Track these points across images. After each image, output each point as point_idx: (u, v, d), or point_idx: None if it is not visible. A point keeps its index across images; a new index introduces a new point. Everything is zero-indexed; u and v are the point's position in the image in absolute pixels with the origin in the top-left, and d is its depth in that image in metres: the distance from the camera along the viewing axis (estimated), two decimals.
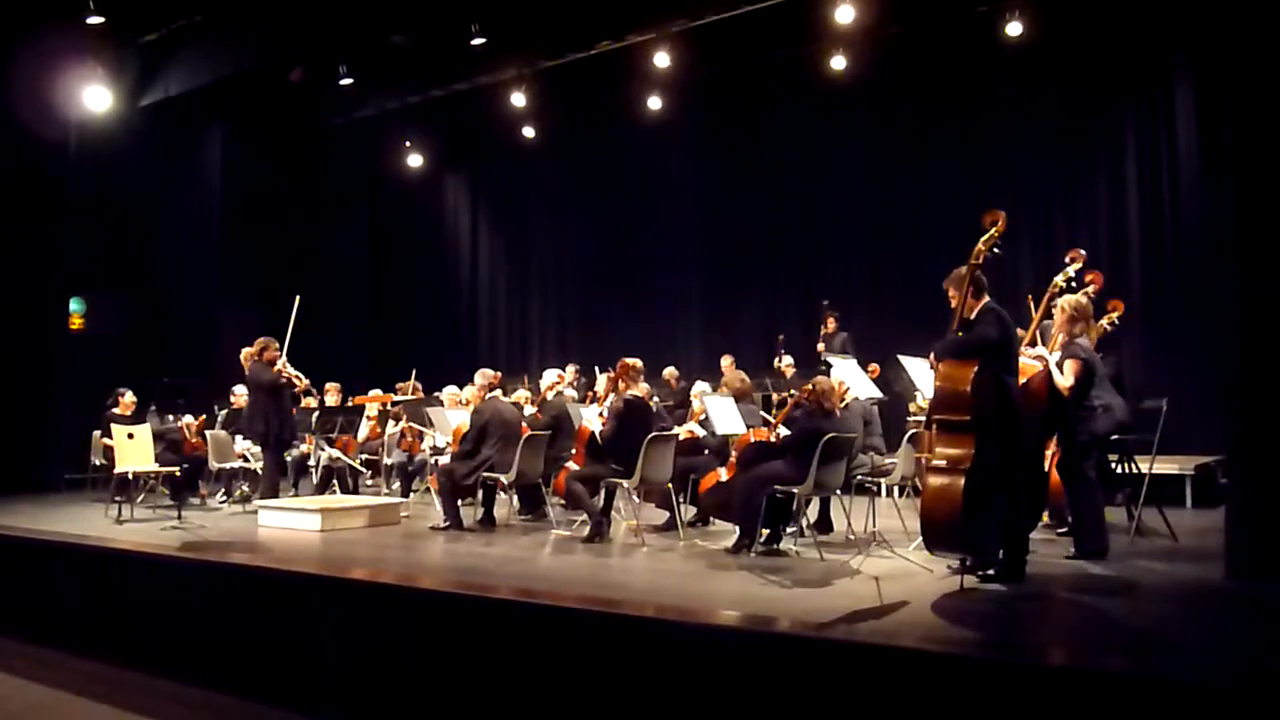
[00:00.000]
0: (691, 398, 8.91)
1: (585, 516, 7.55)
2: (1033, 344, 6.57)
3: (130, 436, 9.01)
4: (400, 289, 16.80)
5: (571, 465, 7.84)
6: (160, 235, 14.12)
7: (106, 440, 9.77)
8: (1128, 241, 11.16)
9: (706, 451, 8.11)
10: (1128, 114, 11.29)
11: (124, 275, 13.57)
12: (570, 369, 11.24)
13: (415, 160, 15.67)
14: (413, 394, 11.23)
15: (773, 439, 7.26)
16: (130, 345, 13.37)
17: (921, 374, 6.94)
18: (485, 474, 7.98)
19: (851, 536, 7.06)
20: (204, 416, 10.82)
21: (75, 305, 12.96)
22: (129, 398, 10.30)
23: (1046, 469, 6.34)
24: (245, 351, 9.29)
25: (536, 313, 16.06)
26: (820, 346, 11.39)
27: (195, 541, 7.65)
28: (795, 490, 6.49)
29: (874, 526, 7.05)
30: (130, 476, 9.01)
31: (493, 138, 15.20)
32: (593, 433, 7.71)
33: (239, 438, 9.96)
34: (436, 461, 9.29)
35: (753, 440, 7.30)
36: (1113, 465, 7.09)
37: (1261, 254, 5.57)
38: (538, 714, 4.74)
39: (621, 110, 13.63)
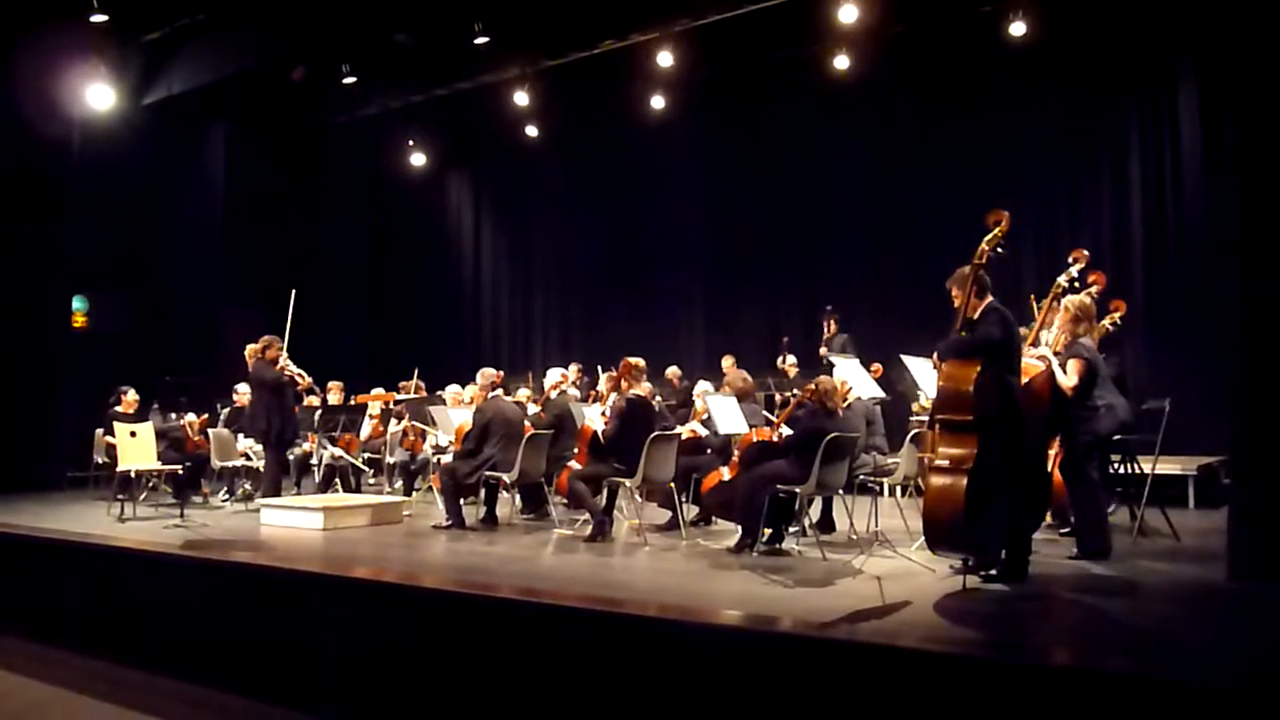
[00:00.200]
0: (694, 397, 8.90)
1: (587, 516, 7.55)
2: (1035, 344, 6.57)
3: (133, 435, 9.02)
4: (403, 288, 16.81)
5: (574, 464, 7.84)
6: (163, 234, 14.12)
7: (109, 438, 9.79)
8: (1130, 242, 11.15)
9: (709, 451, 8.10)
10: (1131, 114, 11.28)
11: (127, 273, 13.57)
12: (573, 368, 11.24)
13: (418, 159, 15.66)
14: (415, 393, 11.25)
15: (775, 438, 7.26)
16: (133, 343, 13.37)
17: (924, 374, 6.95)
18: (488, 473, 7.98)
19: (854, 536, 7.06)
20: (206, 415, 10.83)
21: (78, 303, 12.97)
22: (131, 396, 10.32)
23: (1049, 469, 6.34)
24: (250, 349, 9.31)
25: (539, 312, 16.06)
26: (823, 350, 11.40)
27: (198, 540, 7.66)
28: (798, 490, 6.49)
29: (876, 526, 7.05)
30: (133, 475, 9.02)
31: (495, 137, 15.20)
32: (595, 432, 7.71)
33: (241, 436, 9.97)
34: (439, 460, 9.30)
35: (755, 440, 7.30)
36: (1115, 466, 7.09)
37: (1265, 254, 5.56)
38: (540, 714, 4.74)
39: (624, 110, 13.63)
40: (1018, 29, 10.69)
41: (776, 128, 13.55)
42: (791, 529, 7.03)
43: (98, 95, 11.16)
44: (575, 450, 8.04)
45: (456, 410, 9.24)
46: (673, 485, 7.61)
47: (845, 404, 7.20)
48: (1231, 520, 5.71)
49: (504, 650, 4.90)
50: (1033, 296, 7.64)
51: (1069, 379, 6.16)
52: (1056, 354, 6.36)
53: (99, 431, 10.44)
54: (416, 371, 11.78)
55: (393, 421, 10.50)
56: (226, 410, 10.93)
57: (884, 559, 6.45)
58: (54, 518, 8.72)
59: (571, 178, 15.47)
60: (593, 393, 10.46)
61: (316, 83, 13.56)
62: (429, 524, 8.27)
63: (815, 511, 7.54)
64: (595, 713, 4.57)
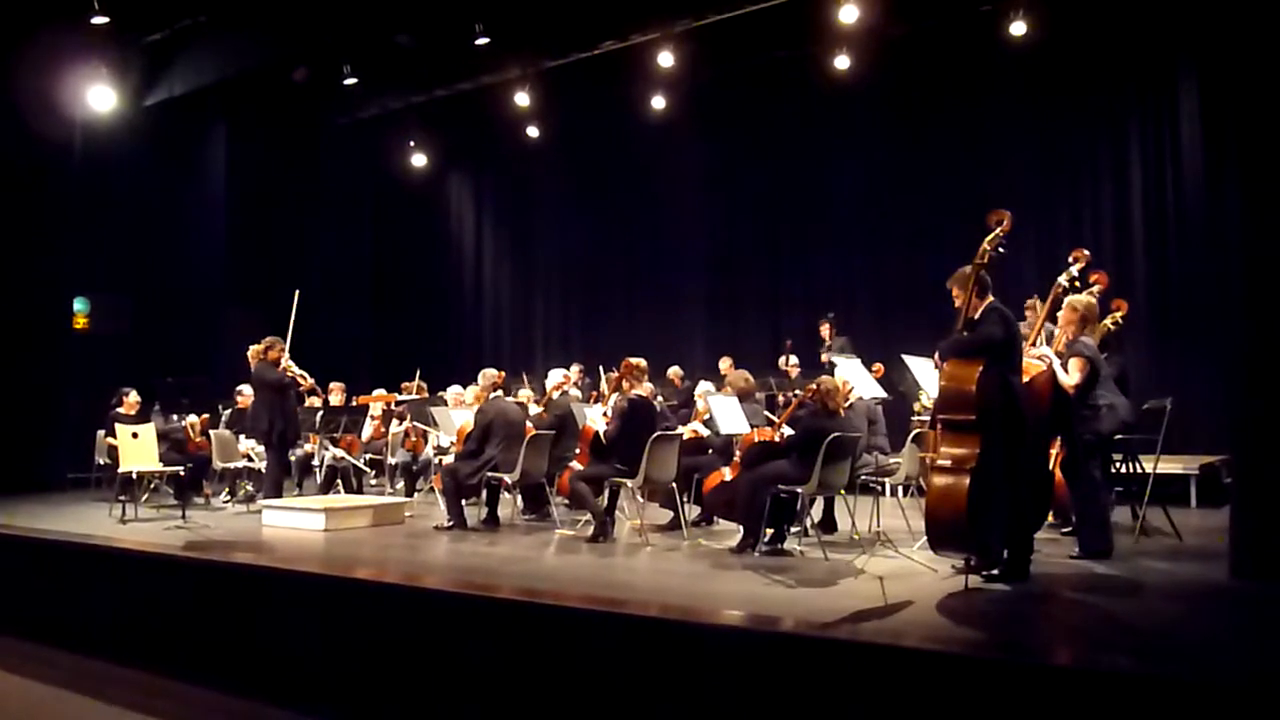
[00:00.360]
0: (696, 397, 8.91)
1: (589, 516, 7.55)
2: (1036, 344, 6.57)
3: (134, 436, 9.02)
4: (404, 289, 16.81)
5: (575, 465, 7.84)
6: (164, 235, 14.11)
7: (111, 440, 9.80)
8: (1132, 241, 11.14)
9: (711, 451, 8.11)
10: (1132, 114, 11.27)
11: (128, 275, 13.56)
12: (574, 369, 11.25)
13: (419, 160, 15.66)
14: (417, 394, 11.25)
15: (777, 439, 7.26)
16: (134, 344, 13.37)
17: (926, 374, 6.95)
18: (489, 474, 7.99)
19: (856, 536, 7.06)
20: (208, 416, 10.84)
21: (79, 305, 12.97)
22: (133, 397, 10.32)
23: (1050, 468, 6.34)
24: (252, 350, 9.31)
25: (540, 312, 16.06)
26: (825, 357, 11.39)
27: (199, 541, 7.67)
28: (799, 490, 6.49)
29: (878, 526, 7.05)
30: (134, 476, 9.01)
31: (496, 138, 15.20)
32: (597, 432, 7.71)
33: (243, 437, 9.98)
34: (440, 461, 9.30)
35: (757, 440, 7.30)
36: (1117, 465, 7.09)
37: (1266, 253, 5.56)
38: (542, 714, 4.74)
39: (625, 110, 13.63)
40: (1018, 29, 10.69)
41: (777, 128, 13.54)
42: (793, 529, 7.03)
43: (99, 96, 11.17)
44: (577, 451, 8.04)
45: (458, 411, 9.24)
46: (674, 485, 7.60)
47: (847, 404, 7.19)
48: (1233, 519, 5.72)
49: (506, 651, 4.89)
50: (1035, 297, 7.64)
51: (1070, 378, 6.17)
52: (1058, 353, 6.36)
53: (100, 433, 10.45)
54: (418, 372, 11.79)
55: (394, 422, 10.50)
56: (228, 411, 10.94)
57: (886, 559, 6.45)
58: (55, 519, 8.73)
59: (572, 178, 15.46)
60: (595, 393, 10.47)
61: (318, 84, 13.56)
62: (430, 525, 8.27)
63: (817, 512, 7.55)
64: (597, 713, 4.57)
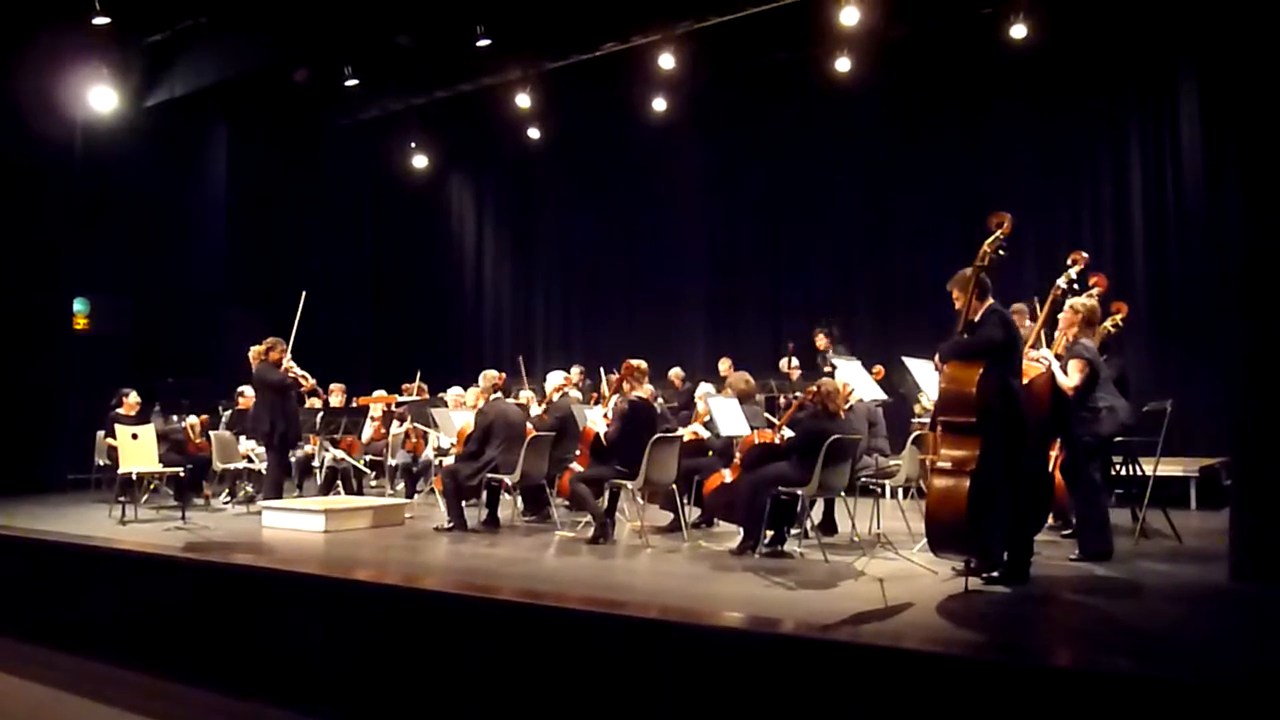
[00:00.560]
0: (696, 399, 8.91)
1: (589, 518, 7.55)
2: (1035, 346, 6.58)
3: (134, 437, 9.03)
4: (405, 290, 16.81)
5: (576, 466, 7.84)
6: (165, 236, 14.11)
7: (110, 440, 9.80)
8: (1132, 244, 11.14)
9: (711, 453, 8.11)
10: (1132, 116, 11.27)
11: (128, 276, 13.56)
12: (575, 370, 11.25)
13: (420, 161, 15.66)
14: (417, 395, 11.25)
15: (777, 440, 7.26)
16: (134, 345, 13.37)
17: (926, 376, 6.94)
18: (490, 475, 7.99)
19: (856, 538, 7.06)
20: (208, 417, 10.84)
21: (79, 305, 12.97)
22: (133, 398, 10.32)
23: (1050, 470, 6.34)
24: (253, 351, 9.30)
25: (541, 314, 16.06)
26: (828, 368, 11.38)
27: (199, 542, 7.67)
28: (800, 492, 6.49)
29: (878, 528, 7.06)
30: (134, 477, 9.02)
31: (497, 139, 15.20)
32: (597, 434, 7.71)
33: (243, 438, 9.98)
34: (441, 462, 9.30)
35: (757, 442, 7.30)
36: (1116, 467, 7.09)
37: (1266, 255, 5.56)
38: (542, 715, 4.73)
39: (626, 111, 13.63)
40: (1018, 31, 10.69)
41: (778, 130, 13.54)
42: (794, 531, 7.03)
43: (100, 97, 11.18)
44: (577, 452, 8.05)
45: (458, 412, 9.24)
46: (675, 487, 7.60)
47: (847, 406, 7.19)
48: (1233, 521, 5.72)
49: (506, 652, 4.90)
50: (1035, 298, 7.64)
51: (1070, 380, 6.17)
52: (1057, 355, 6.36)
53: (100, 433, 10.45)
54: (419, 374, 11.79)
55: (395, 423, 10.50)
56: (228, 412, 10.94)
57: (886, 561, 6.46)
58: (55, 520, 8.73)
59: (573, 180, 15.47)
60: (595, 394, 10.47)
61: (318, 85, 13.56)
62: (431, 526, 8.28)
63: (817, 513, 7.55)
64: (597, 715, 4.57)
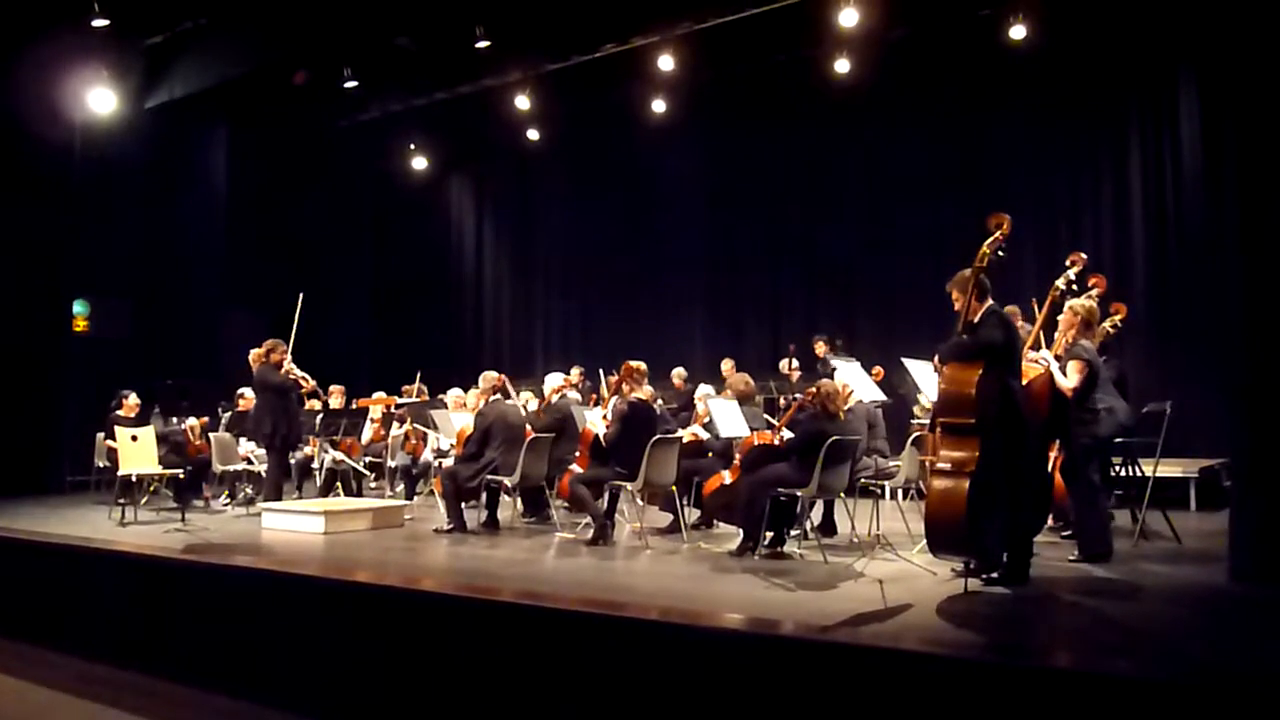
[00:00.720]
0: (695, 400, 8.91)
1: (589, 519, 7.55)
2: (1035, 347, 6.58)
3: (134, 439, 9.03)
4: (405, 291, 16.81)
5: (575, 468, 7.83)
6: (165, 237, 14.10)
7: (110, 442, 9.79)
8: (1131, 245, 11.15)
9: (710, 454, 8.11)
10: (1131, 117, 11.29)
11: (128, 277, 13.56)
12: (575, 371, 11.25)
13: (420, 163, 15.68)
14: (417, 396, 11.24)
15: (777, 442, 7.26)
16: (134, 347, 13.37)
17: (926, 377, 6.95)
18: (489, 477, 7.99)
19: (855, 539, 7.06)
20: (207, 418, 10.83)
21: (79, 307, 12.96)
22: (133, 400, 10.31)
23: (1050, 471, 6.34)
24: (254, 353, 9.30)
25: (540, 315, 16.07)
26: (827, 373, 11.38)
27: (199, 544, 7.66)
28: (799, 493, 6.49)
29: (878, 529, 7.06)
30: (134, 479, 9.01)
31: (497, 140, 15.21)
32: (597, 435, 7.71)
33: (243, 440, 9.98)
34: (440, 464, 9.30)
35: (757, 443, 7.29)
36: (1116, 468, 7.09)
37: (1265, 256, 5.57)
38: (542, 716, 4.74)
39: (626, 113, 13.65)
40: (1018, 32, 10.71)
41: (777, 131, 13.56)
42: (793, 532, 7.03)
43: (100, 99, 11.19)
44: (577, 454, 8.04)
45: (458, 414, 9.24)
46: (674, 488, 7.60)
47: (846, 407, 7.19)
48: (1232, 522, 5.72)
49: (506, 653, 4.90)
50: (1034, 300, 7.64)
51: (1069, 381, 6.17)
52: (1057, 356, 6.36)
53: (100, 435, 10.45)
54: (418, 375, 11.79)
55: (394, 425, 10.49)
56: (228, 414, 10.93)
57: (885, 562, 6.45)
58: (55, 522, 8.73)
59: (573, 181, 15.48)
60: (594, 396, 10.47)
61: (318, 86, 13.57)
62: (430, 528, 8.27)
63: (817, 515, 7.55)
64: (597, 716, 4.57)
